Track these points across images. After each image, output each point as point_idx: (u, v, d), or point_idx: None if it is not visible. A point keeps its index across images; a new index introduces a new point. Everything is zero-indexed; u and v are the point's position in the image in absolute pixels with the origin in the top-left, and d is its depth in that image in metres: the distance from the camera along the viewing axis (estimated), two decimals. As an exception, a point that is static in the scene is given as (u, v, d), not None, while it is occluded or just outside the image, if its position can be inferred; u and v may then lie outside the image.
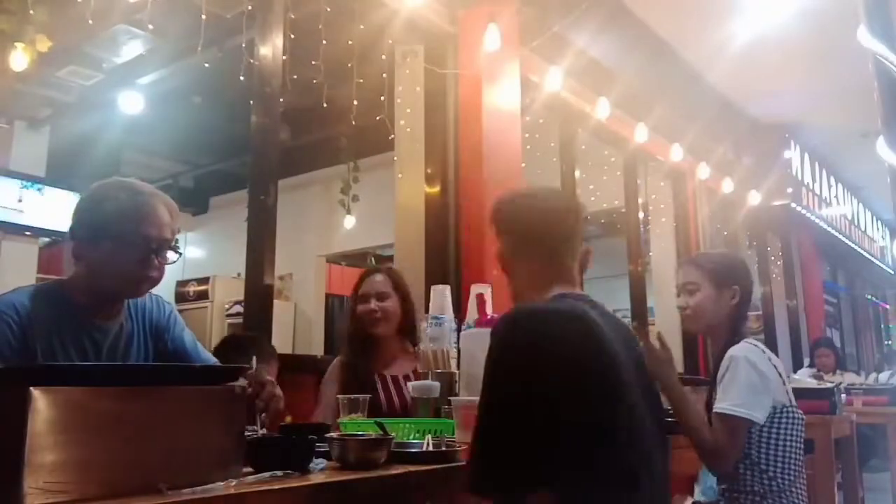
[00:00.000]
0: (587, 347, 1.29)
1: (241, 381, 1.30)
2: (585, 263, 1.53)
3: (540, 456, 1.23)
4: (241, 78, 3.11)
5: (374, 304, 2.34)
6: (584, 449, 1.25)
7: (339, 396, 1.91)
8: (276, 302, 3.08)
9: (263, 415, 1.56)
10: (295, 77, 3.24)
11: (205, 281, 7.85)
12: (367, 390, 2.21)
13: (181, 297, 7.97)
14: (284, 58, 3.16)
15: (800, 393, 2.04)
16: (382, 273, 2.44)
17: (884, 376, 6.79)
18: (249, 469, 1.24)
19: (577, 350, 1.28)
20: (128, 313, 1.72)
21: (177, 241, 1.66)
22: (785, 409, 1.94)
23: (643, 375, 1.46)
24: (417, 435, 1.64)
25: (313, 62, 3.34)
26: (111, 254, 1.56)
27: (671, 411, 1.99)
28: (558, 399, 1.24)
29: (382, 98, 3.67)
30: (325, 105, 3.46)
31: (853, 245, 9.18)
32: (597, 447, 1.26)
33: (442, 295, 2.09)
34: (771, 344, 6.81)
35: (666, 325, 5.56)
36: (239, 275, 4.50)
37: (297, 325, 7.58)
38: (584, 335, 1.30)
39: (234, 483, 1.11)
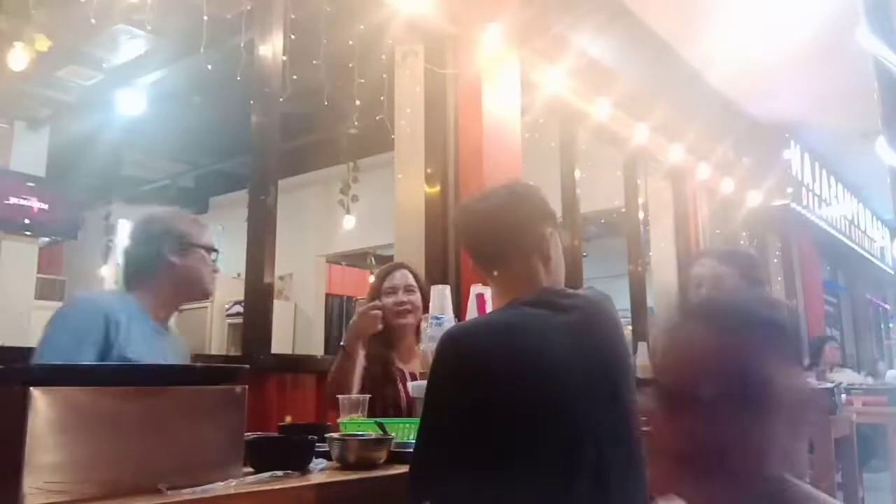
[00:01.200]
0: (508, 360, 1.33)
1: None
2: (546, 252, 1.49)
3: (463, 463, 1.29)
4: (240, 78, 3.11)
5: (402, 296, 2.43)
6: (506, 455, 1.29)
7: (340, 397, 1.91)
8: (276, 302, 3.08)
9: None
10: (295, 77, 3.24)
11: (205, 281, 7.85)
12: (389, 383, 2.28)
13: (181, 297, 7.95)
14: (284, 58, 3.16)
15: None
16: (405, 268, 2.53)
17: (891, 374, 6.86)
18: (249, 469, 1.24)
19: (497, 363, 1.33)
20: None
21: None
22: None
23: (611, 382, 1.42)
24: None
25: (314, 62, 3.34)
26: (197, 263, 1.88)
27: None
28: (478, 410, 1.30)
29: (382, 98, 3.67)
30: (325, 104, 3.46)
31: (853, 245, 9.16)
32: (517, 452, 1.30)
33: (442, 295, 2.09)
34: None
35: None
36: (239, 275, 4.49)
37: (297, 325, 7.58)
38: (506, 349, 1.35)
39: (234, 483, 1.11)
